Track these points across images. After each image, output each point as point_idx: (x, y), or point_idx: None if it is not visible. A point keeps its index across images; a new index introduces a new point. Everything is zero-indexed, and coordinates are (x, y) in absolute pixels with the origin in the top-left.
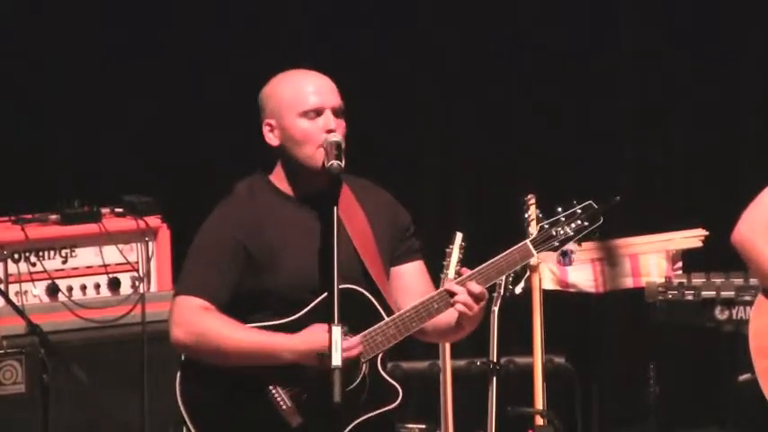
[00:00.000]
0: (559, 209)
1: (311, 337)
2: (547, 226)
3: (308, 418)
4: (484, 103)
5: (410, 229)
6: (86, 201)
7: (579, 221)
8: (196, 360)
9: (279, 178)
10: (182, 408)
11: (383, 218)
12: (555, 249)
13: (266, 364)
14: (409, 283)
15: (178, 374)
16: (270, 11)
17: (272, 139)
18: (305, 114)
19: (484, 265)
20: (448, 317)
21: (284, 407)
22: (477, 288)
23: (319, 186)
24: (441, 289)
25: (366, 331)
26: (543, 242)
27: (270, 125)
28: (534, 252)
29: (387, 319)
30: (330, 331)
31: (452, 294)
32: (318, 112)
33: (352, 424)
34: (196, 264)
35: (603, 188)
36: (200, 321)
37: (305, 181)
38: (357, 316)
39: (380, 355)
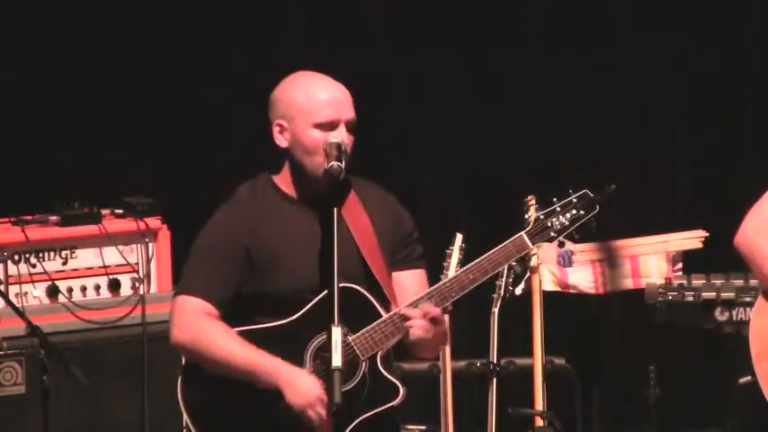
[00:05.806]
0: (555, 199)
1: (298, 387)
2: (542, 217)
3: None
4: (484, 102)
5: (413, 234)
6: (86, 202)
7: (575, 211)
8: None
9: (284, 179)
10: (184, 410)
11: (386, 219)
12: (551, 240)
13: (249, 381)
14: (405, 292)
15: (180, 377)
16: (270, 10)
17: (281, 140)
18: (319, 126)
19: (480, 258)
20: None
21: (284, 406)
22: (434, 310)
23: (323, 189)
24: (392, 312)
25: (364, 329)
26: (539, 233)
27: (280, 126)
28: (530, 244)
29: (385, 316)
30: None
31: (406, 319)
32: (333, 126)
33: (353, 423)
34: (197, 265)
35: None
36: (196, 324)
37: (309, 184)
38: (355, 315)
39: (381, 354)
